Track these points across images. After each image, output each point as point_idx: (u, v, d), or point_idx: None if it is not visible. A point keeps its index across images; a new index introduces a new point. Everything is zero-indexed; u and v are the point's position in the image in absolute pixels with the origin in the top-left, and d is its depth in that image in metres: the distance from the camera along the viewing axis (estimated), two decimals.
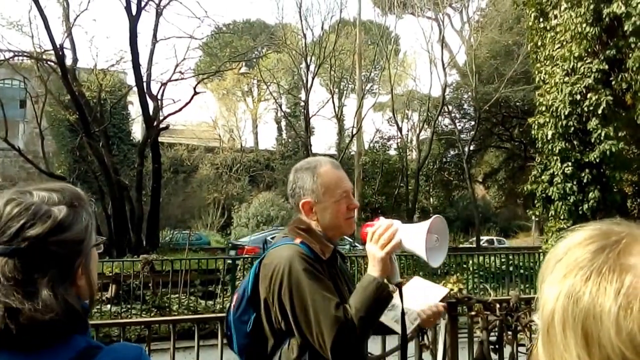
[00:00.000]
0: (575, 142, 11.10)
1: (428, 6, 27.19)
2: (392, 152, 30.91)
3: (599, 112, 10.61)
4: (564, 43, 11.26)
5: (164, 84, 16.58)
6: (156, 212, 16.41)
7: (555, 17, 11.60)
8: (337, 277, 1.64)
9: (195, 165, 29.10)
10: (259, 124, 36.72)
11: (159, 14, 16.00)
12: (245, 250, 12.89)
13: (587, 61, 10.85)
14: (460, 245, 23.50)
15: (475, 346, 3.50)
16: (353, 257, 10.44)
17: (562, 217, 11.08)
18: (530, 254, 12.23)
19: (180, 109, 17.44)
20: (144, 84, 15.93)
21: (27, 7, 24.43)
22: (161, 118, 17.14)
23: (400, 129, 29.46)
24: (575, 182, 10.92)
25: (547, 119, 11.24)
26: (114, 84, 20.44)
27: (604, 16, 10.64)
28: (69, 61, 15.42)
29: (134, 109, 25.93)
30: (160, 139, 18.35)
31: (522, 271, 11.44)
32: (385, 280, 1.53)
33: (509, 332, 3.49)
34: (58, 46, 14.07)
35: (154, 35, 16.18)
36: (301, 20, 24.21)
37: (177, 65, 16.42)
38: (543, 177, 11.44)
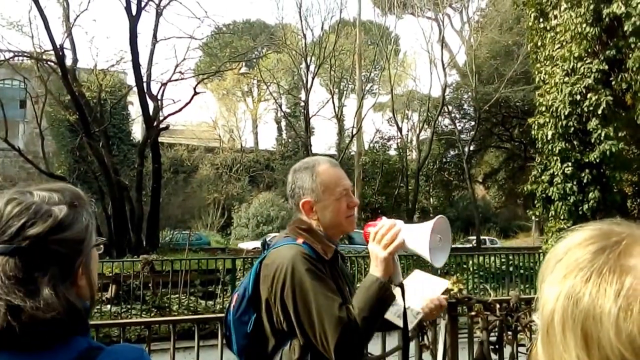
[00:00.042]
0: (575, 143, 11.10)
1: (428, 6, 27.21)
2: (392, 152, 30.94)
3: (599, 112, 10.61)
4: (564, 43, 11.26)
5: (164, 84, 16.59)
6: (156, 213, 16.42)
7: (555, 17, 11.61)
8: (338, 277, 1.64)
9: (195, 166, 29.11)
10: (259, 124, 36.76)
11: (159, 14, 16.01)
12: None
13: (587, 61, 10.85)
14: (459, 245, 23.48)
15: (476, 346, 3.50)
16: (353, 257, 10.44)
17: (562, 218, 11.08)
18: (530, 254, 12.25)
19: (180, 109, 17.46)
20: (144, 84, 15.93)
21: (27, 8, 24.44)
22: (161, 118, 17.15)
23: (400, 129, 29.49)
24: (575, 183, 10.92)
25: (547, 119, 11.24)
26: (114, 84, 20.45)
27: (603, 16, 10.64)
28: (69, 61, 15.45)
29: (134, 109, 25.92)
30: (160, 139, 18.35)
31: (522, 271, 11.45)
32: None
33: (509, 333, 3.49)
34: (58, 46, 14.07)
35: (154, 36, 16.19)
36: (301, 21, 24.26)
37: (177, 66, 16.45)
38: (543, 177, 11.43)
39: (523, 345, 3.54)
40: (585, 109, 10.78)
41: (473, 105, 26.82)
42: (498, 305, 3.52)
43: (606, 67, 10.75)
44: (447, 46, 29.11)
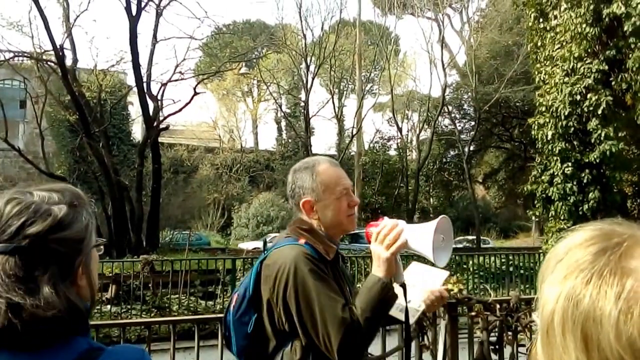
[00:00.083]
0: (575, 143, 11.10)
1: (428, 6, 27.22)
2: (392, 152, 30.95)
3: (599, 112, 10.61)
4: (564, 43, 11.26)
5: (164, 85, 16.60)
6: (156, 213, 16.42)
7: (555, 17, 11.61)
8: (340, 278, 1.64)
9: (195, 166, 29.12)
10: (259, 124, 36.79)
11: (159, 15, 16.02)
12: None
13: (587, 61, 10.85)
14: (459, 246, 23.47)
15: (476, 347, 3.50)
16: (353, 257, 10.44)
17: (562, 218, 11.08)
18: (531, 254, 12.25)
19: (180, 110, 17.46)
20: (144, 84, 15.93)
21: (27, 8, 24.46)
22: (161, 118, 17.15)
23: (400, 130, 29.50)
24: (575, 183, 10.92)
25: (547, 120, 11.24)
26: (114, 85, 20.47)
27: (603, 16, 10.64)
28: (69, 61, 15.45)
29: (134, 110, 25.93)
30: (160, 140, 18.35)
31: (522, 271, 11.44)
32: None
33: (509, 333, 3.49)
34: (58, 46, 14.07)
35: (154, 36, 16.19)
36: (301, 21, 24.29)
37: (177, 66, 16.45)
38: (543, 177, 11.43)
39: (523, 345, 3.53)
40: (585, 109, 10.78)
41: (473, 106, 26.83)
42: (498, 306, 3.52)
43: (606, 67, 10.75)
44: (447, 46, 29.15)
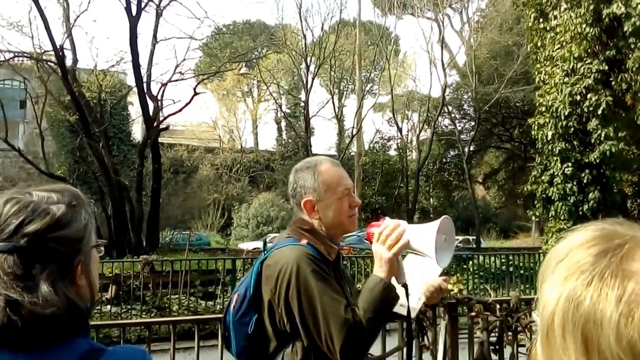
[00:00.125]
0: (575, 143, 11.11)
1: (428, 7, 27.23)
2: (392, 152, 30.92)
3: (599, 112, 10.62)
4: (564, 44, 11.27)
5: (164, 85, 16.59)
6: (156, 213, 16.41)
7: (555, 17, 11.61)
8: (341, 278, 1.64)
9: (195, 166, 29.12)
10: (259, 124, 36.79)
11: (159, 15, 16.01)
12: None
13: (587, 62, 10.86)
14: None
15: (476, 347, 3.50)
16: (353, 257, 10.44)
17: (562, 218, 11.08)
18: (531, 254, 12.25)
19: (180, 110, 17.45)
20: (144, 84, 15.92)
21: (27, 8, 24.41)
22: (161, 119, 17.14)
23: (400, 130, 29.48)
24: (575, 183, 10.92)
25: (547, 120, 11.24)
26: (114, 85, 20.46)
27: (603, 17, 10.65)
28: (69, 62, 15.43)
29: (134, 110, 25.92)
30: (160, 140, 18.34)
31: (522, 272, 11.44)
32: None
33: (509, 333, 3.49)
34: (58, 47, 14.07)
35: (154, 36, 16.18)
36: (301, 21, 24.27)
37: (177, 66, 16.43)
38: (543, 177, 11.44)
39: (523, 345, 3.53)
40: (585, 109, 10.79)
41: (473, 106, 26.82)
42: (498, 306, 3.52)
43: (606, 67, 10.76)
44: (447, 46, 29.14)
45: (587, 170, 10.87)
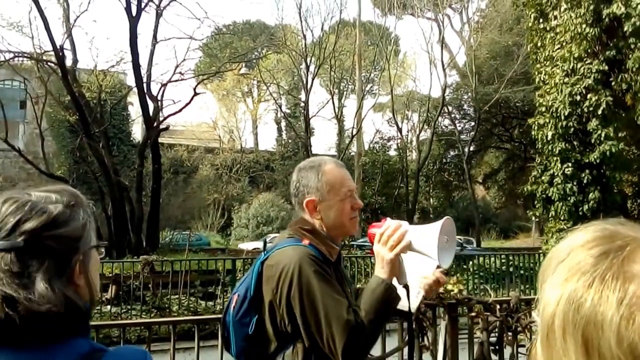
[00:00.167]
0: (575, 143, 11.11)
1: (428, 7, 27.24)
2: (392, 152, 30.90)
3: (599, 112, 10.62)
4: (564, 44, 11.27)
5: (164, 85, 16.59)
6: (156, 213, 16.40)
7: (555, 17, 11.62)
8: (342, 279, 1.64)
9: (195, 166, 29.12)
10: (259, 124, 36.80)
11: (159, 15, 16.01)
12: None
13: (587, 62, 10.86)
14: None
15: (476, 347, 3.50)
16: (353, 258, 10.44)
17: (562, 218, 11.08)
18: (531, 254, 12.24)
19: (180, 110, 17.45)
20: (144, 84, 15.92)
21: (27, 8, 24.41)
22: (161, 119, 17.14)
23: (400, 130, 29.47)
24: (575, 183, 10.92)
25: (547, 120, 11.24)
26: (114, 85, 20.46)
27: (603, 17, 10.65)
28: (69, 62, 15.43)
29: (134, 110, 25.92)
30: (160, 140, 18.34)
31: (522, 272, 11.43)
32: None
33: (509, 333, 3.49)
34: (58, 47, 14.07)
35: (154, 36, 16.18)
36: (301, 21, 24.27)
37: (177, 66, 16.43)
38: (543, 177, 11.44)
39: (523, 346, 3.53)
40: (585, 110, 10.79)
41: (473, 106, 26.82)
42: (498, 306, 3.52)
43: (606, 67, 10.76)
44: (447, 47, 29.16)
45: (587, 171, 10.87)
